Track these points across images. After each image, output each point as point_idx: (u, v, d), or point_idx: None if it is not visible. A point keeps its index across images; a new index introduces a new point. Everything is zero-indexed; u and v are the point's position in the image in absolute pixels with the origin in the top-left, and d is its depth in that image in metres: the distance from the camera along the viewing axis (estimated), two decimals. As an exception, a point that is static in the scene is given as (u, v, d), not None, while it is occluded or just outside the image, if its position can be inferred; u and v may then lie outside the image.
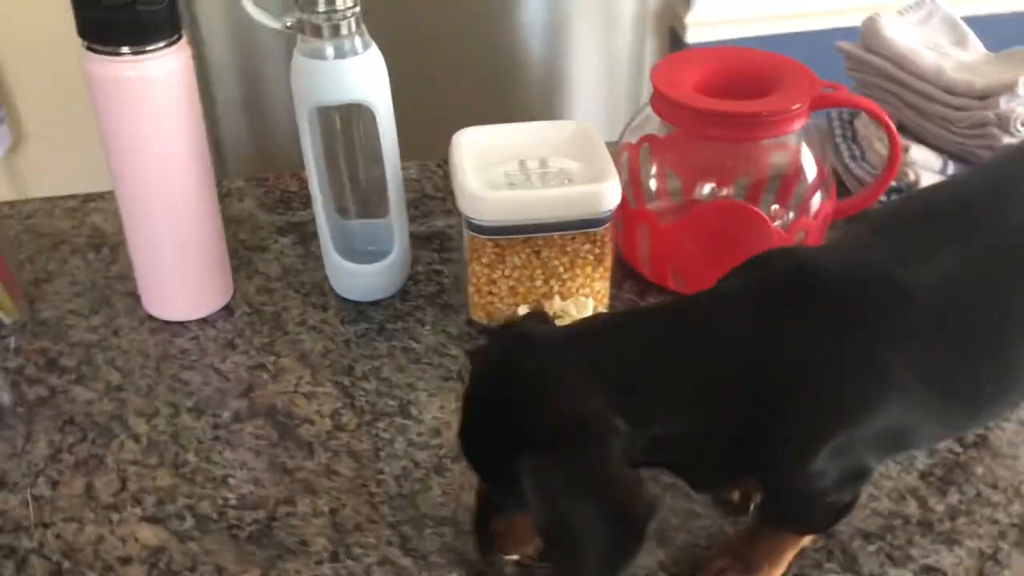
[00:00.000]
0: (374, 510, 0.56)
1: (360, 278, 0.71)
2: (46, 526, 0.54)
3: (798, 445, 0.45)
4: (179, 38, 0.61)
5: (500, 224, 0.65)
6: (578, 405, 0.44)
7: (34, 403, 0.63)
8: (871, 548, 0.53)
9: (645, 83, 1.32)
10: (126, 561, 0.53)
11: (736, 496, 0.56)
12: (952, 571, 0.52)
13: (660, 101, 0.70)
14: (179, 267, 0.68)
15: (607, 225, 0.66)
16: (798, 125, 0.68)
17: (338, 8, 0.61)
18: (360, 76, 0.64)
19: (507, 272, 0.68)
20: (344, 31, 0.62)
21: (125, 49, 0.60)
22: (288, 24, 0.63)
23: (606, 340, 0.47)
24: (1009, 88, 0.74)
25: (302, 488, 0.57)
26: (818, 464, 0.45)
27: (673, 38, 1.36)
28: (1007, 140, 0.74)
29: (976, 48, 0.85)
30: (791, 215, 0.72)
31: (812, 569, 0.52)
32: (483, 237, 0.66)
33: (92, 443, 0.60)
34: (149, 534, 0.54)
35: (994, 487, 0.57)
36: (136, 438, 0.61)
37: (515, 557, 0.52)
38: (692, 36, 1.32)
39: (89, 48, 0.61)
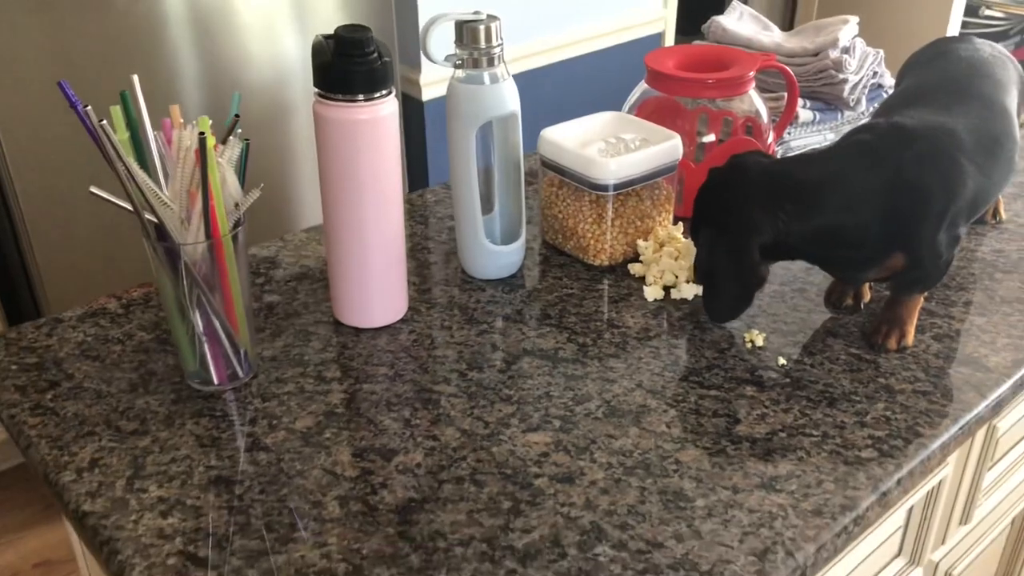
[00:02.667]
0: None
1: (505, 257, 0.90)
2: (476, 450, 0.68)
3: (932, 221, 0.76)
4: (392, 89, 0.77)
5: (620, 181, 0.88)
6: (747, 204, 0.75)
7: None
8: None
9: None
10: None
11: (849, 300, 0.85)
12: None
13: (658, 79, 0.99)
14: (384, 278, 0.82)
15: (675, 171, 0.93)
16: (751, 86, 1.01)
17: (493, 44, 0.81)
18: (511, 93, 0.84)
19: (614, 221, 0.91)
20: (497, 62, 0.82)
21: (360, 97, 0.74)
22: (456, 62, 0.81)
23: (790, 165, 0.77)
24: (833, 44, 1.13)
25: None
26: (941, 234, 0.77)
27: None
28: (841, 76, 1.13)
29: (776, 30, 1.25)
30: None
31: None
32: (606, 194, 0.88)
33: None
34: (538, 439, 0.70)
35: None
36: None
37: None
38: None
39: (324, 96, 0.74)
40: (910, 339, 0.81)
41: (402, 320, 0.84)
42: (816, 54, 1.14)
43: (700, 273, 0.82)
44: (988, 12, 3.19)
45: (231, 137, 0.70)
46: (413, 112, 1.94)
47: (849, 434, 0.71)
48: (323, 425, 0.72)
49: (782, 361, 0.78)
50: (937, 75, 0.88)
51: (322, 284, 0.90)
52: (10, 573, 1.66)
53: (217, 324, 0.74)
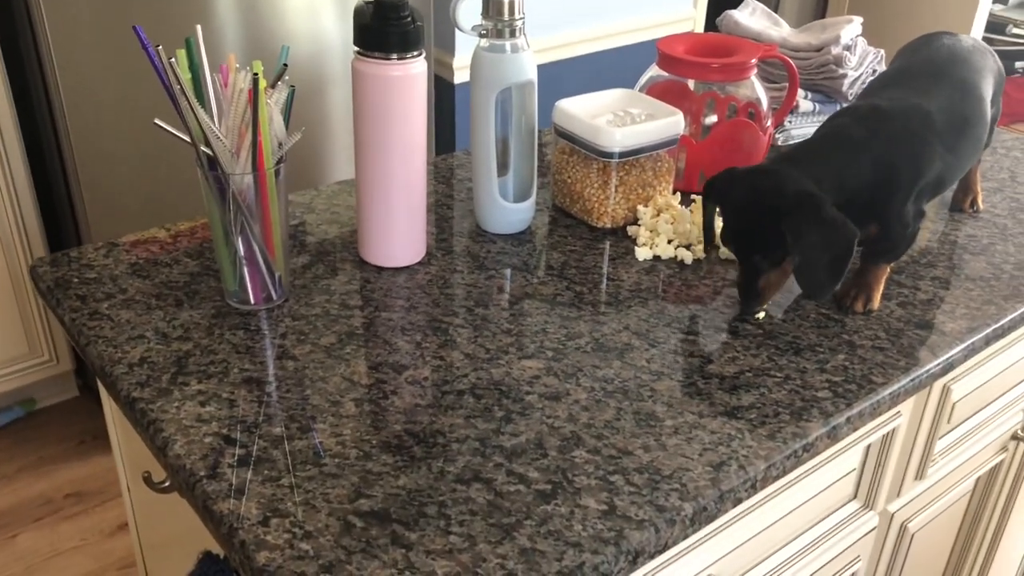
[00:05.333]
0: (642, 326, 0.86)
1: (516, 214, 0.99)
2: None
3: (901, 194, 0.85)
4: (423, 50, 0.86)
5: (625, 149, 0.97)
6: (803, 187, 0.81)
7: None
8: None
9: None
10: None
11: (852, 302, 0.92)
12: (943, 278, 0.95)
13: (668, 61, 1.08)
14: (406, 221, 0.91)
15: (677, 144, 1.02)
16: (753, 72, 1.09)
17: (516, 17, 0.91)
18: (530, 63, 0.93)
19: (618, 187, 1.00)
20: (518, 33, 0.91)
21: (394, 55, 0.84)
22: (481, 31, 0.91)
23: (801, 158, 0.84)
24: (835, 40, 1.22)
25: (589, 327, 0.85)
26: (908, 206, 0.85)
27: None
28: (841, 71, 1.21)
29: (785, 26, 1.33)
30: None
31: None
32: (613, 161, 0.97)
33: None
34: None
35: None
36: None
37: (761, 314, 0.86)
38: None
39: (362, 54, 0.84)
40: (876, 303, 0.89)
41: (420, 263, 0.94)
42: (819, 49, 1.22)
43: (802, 261, 0.81)
44: (1015, 30, 3.24)
45: (279, 82, 0.80)
46: (445, 92, 2.04)
47: (809, 378, 0.79)
48: (344, 343, 0.81)
49: (760, 316, 0.87)
50: (920, 60, 0.97)
51: (350, 228, 1.00)
52: (43, 500, 1.78)
53: (256, 249, 0.83)
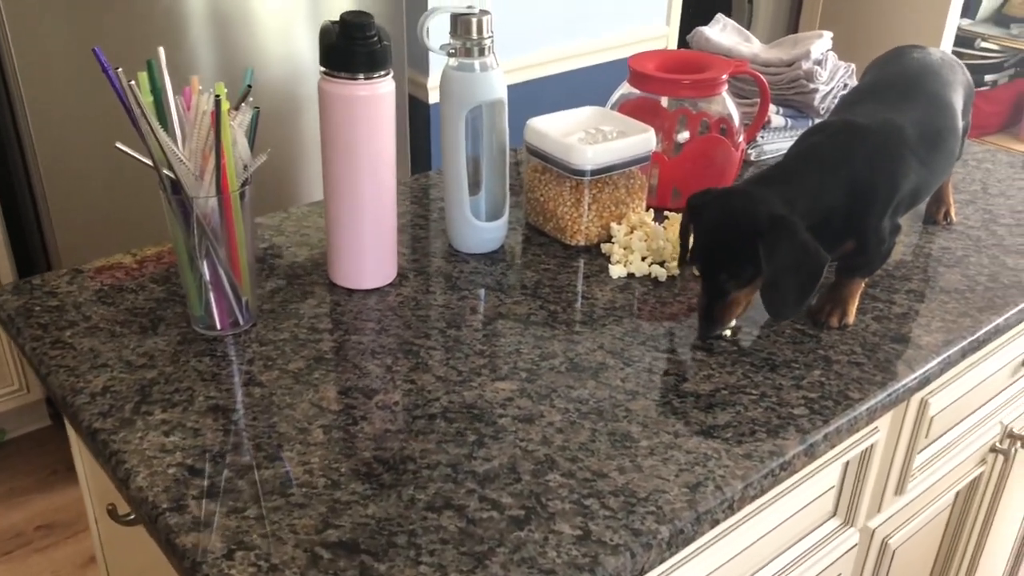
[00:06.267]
0: (617, 345, 0.85)
1: (489, 233, 0.98)
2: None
3: (877, 210, 0.84)
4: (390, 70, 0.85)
5: (597, 167, 0.96)
6: (777, 210, 0.80)
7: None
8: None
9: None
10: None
11: (828, 317, 0.91)
12: (918, 291, 0.94)
13: (639, 79, 1.07)
14: (376, 242, 0.90)
15: (649, 161, 1.01)
16: (724, 88, 1.09)
17: (485, 36, 0.90)
18: (499, 81, 0.92)
19: (591, 204, 0.99)
20: (487, 52, 0.91)
21: (361, 75, 0.83)
22: (449, 51, 0.90)
23: (775, 179, 0.84)
24: (805, 56, 1.22)
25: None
26: (885, 221, 0.85)
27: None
28: (812, 86, 1.21)
29: (756, 42, 1.33)
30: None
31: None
32: (586, 179, 0.97)
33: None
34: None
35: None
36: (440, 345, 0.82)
37: (728, 330, 0.85)
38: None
39: (328, 74, 0.83)
40: (851, 318, 0.88)
41: (391, 284, 0.93)
42: (790, 64, 1.23)
43: (769, 284, 0.80)
44: (984, 44, 3.28)
45: (243, 104, 0.78)
46: (419, 112, 2.03)
47: (785, 395, 0.78)
48: (313, 367, 0.80)
49: (727, 333, 0.86)
50: (891, 74, 0.97)
51: (320, 251, 0.98)
52: (14, 533, 1.74)
53: (222, 273, 0.82)
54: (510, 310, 0.89)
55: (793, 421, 0.75)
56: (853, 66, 1.27)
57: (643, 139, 0.99)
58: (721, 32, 1.32)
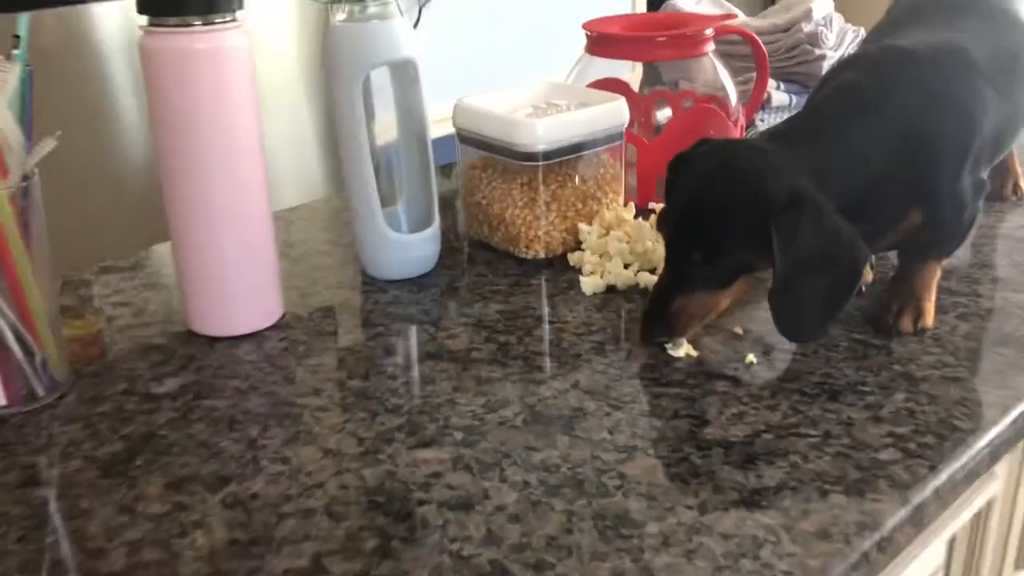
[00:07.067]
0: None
1: (414, 250, 0.71)
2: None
3: (950, 166, 0.58)
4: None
5: (552, 146, 0.70)
6: (799, 183, 0.54)
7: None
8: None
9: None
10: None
11: (902, 321, 0.64)
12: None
13: (600, 44, 0.82)
14: (244, 271, 0.63)
15: (622, 140, 0.75)
16: (710, 47, 0.84)
17: (378, -29, 0.65)
18: (405, 35, 0.67)
19: (550, 203, 0.73)
20: (385, -5, 0.66)
21: (197, 21, 0.57)
22: (329, -7, 0.65)
23: (798, 134, 0.58)
24: (805, 16, 0.98)
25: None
26: (963, 179, 0.59)
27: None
28: (818, 51, 0.97)
29: (740, 14, 1.09)
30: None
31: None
32: (540, 166, 0.71)
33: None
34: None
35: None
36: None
37: (681, 351, 0.59)
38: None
39: (153, 24, 0.57)
40: (930, 318, 0.62)
41: (273, 327, 0.65)
42: (787, 29, 0.99)
43: (788, 282, 0.55)
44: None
45: (9, 60, 0.52)
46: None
47: (860, 432, 0.51)
48: (135, 451, 0.52)
49: (750, 360, 0.59)
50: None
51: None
52: None
53: (4, 327, 0.55)
54: (442, 347, 0.62)
55: (882, 471, 0.48)
56: (862, 30, 1.04)
57: (611, 109, 0.74)
58: (696, 5, 1.08)
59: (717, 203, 0.56)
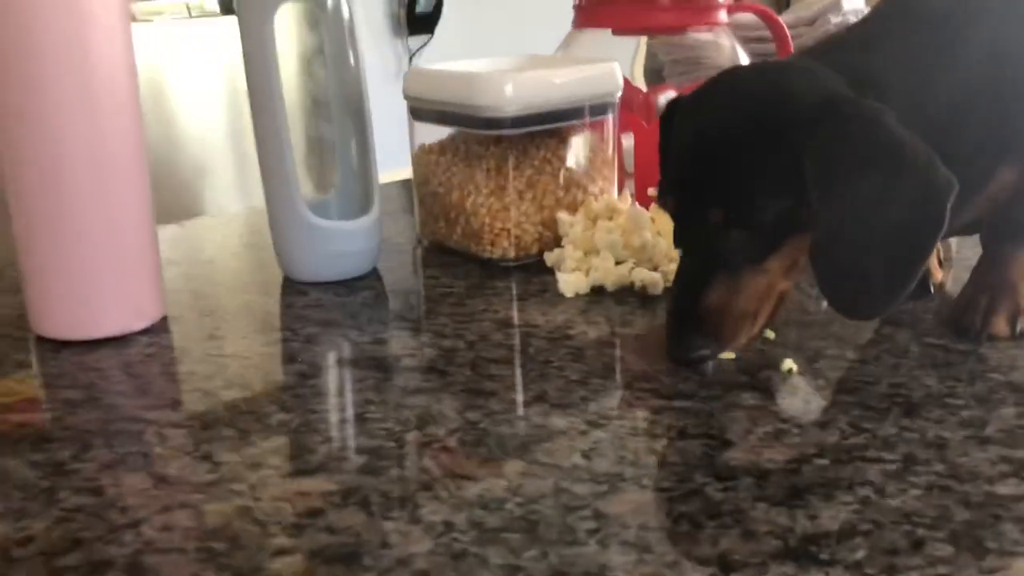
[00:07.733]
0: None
1: (347, 243, 0.55)
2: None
3: None
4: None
5: (523, 112, 0.55)
6: (839, 88, 0.39)
7: None
8: None
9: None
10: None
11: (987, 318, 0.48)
12: None
13: (591, 15, 0.68)
14: (105, 253, 0.47)
15: (614, 111, 0.60)
16: (723, 16, 0.70)
17: None
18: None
19: (523, 191, 0.57)
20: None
21: (37, -91, 0.43)
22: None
23: (845, 43, 0.43)
24: (834, 7, 0.84)
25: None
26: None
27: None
28: (849, 45, 0.83)
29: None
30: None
31: None
32: (507, 134, 0.55)
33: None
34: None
35: None
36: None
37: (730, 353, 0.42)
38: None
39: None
40: (1031, 315, 0.45)
41: (145, 331, 0.49)
42: (813, 22, 0.85)
43: (838, 242, 0.39)
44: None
45: None
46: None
47: (956, 455, 0.34)
48: None
49: (788, 366, 0.42)
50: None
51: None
52: None
53: None
54: (364, 352, 0.45)
55: (1005, 509, 0.31)
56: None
57: (599, 72, 0.59)
58: None
59: (730, 137, 0.40)
